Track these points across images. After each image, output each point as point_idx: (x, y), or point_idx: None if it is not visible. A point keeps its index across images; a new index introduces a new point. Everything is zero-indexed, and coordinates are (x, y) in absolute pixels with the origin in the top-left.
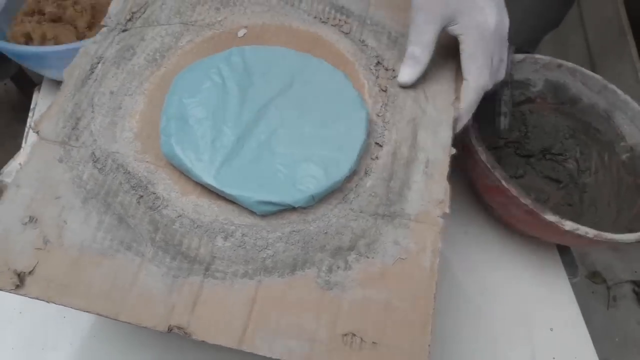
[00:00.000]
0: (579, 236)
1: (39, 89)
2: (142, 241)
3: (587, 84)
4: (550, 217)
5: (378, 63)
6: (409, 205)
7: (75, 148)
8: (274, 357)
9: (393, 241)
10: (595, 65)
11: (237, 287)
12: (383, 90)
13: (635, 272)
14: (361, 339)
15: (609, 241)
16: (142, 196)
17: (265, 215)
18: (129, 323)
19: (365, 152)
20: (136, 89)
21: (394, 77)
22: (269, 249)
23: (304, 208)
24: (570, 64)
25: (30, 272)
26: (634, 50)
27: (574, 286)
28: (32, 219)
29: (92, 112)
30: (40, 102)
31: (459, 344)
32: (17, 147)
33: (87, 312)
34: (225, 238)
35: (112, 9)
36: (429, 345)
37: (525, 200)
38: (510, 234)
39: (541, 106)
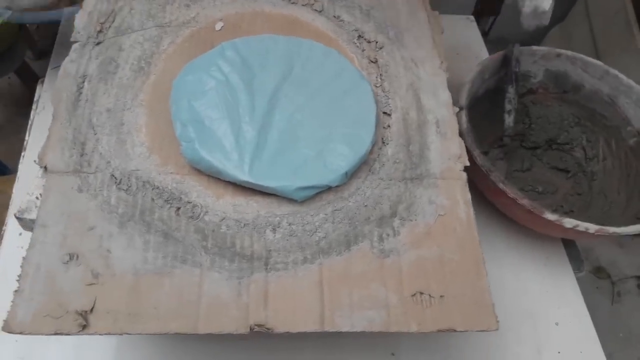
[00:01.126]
0: (581, 232)
1: (42, 82)
2: (195, 251)
3: (588, 71)
4: (550, 216)
5: (360, 37)
6: (432, 165)
7: (91, 174)
8: (357, 330)
9: (428, 200)
10: (601, 59)
11: (301, 274)
12: (373, 62)
13: None
14: (429, 295)
15: (612, 235)
16: (179, 208)
17: (304, 201)
18: (210, 334)
19: (378, 122)
20: (132, 101)
21: (380, 48)
22: (319, 232)
23: (339, 186)
24: (569, 52)
25: (91, 310)
26: None
27: (579, 281)
28: (72, 256)
29: (95, 134)
30: (44, 95)
31: (465, 339)
32: (21, 142)
33: (163, 333)
34: (274, 230)
35: (78, 23)
36: (489, 286)
37: (523, 202)
38: (515, 228)
39: (543, 96)
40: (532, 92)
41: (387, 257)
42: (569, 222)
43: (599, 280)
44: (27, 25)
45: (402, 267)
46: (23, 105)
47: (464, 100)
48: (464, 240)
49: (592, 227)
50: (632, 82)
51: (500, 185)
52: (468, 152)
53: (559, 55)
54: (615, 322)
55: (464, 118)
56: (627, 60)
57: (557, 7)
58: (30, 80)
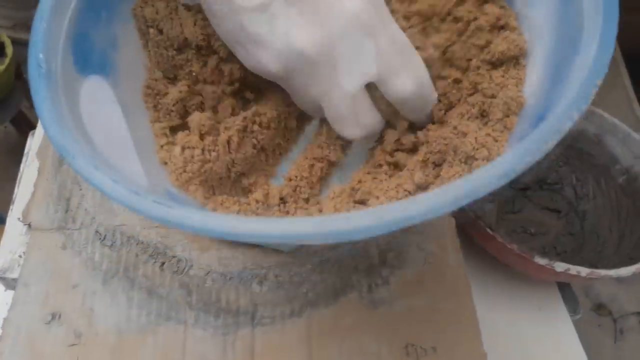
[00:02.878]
0: (573, 275)
1: (33, 134)
2: (180, 308)
3: None
4: (540, 261)
5: None
6: None
7: (75, 231)
8: None
9: (417, 247)
10: None
11: (288, 327)
12: None
13: None
14: (421, 346)
15: (603, 277)
16: (164, 262)
17: (291, 251)
18: None
19: None
20: None
21: None
22: (306, 283)
23: None
24: None
25: None
26: (627, 80)
27: (579, 320)
28: (54, 316)
29: (80, 189)
30: (34, 146)
31: None
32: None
33: None
34: (260, 283)
35: None
36: (481, 335)
37: (512, 246)
38: (507, 272)
39: None
40: None
41: (377, 307)
42: (559, 266)
43: (600, 318)
44: (24, 74)
45: (392, 317)
46: (18, 153)
47: None
48: (454, 287)
49: (583, 271)
50: (616, 121)
51: (489, 230)
52: None
53: None
54: None
55: None
56: (615, 96)
57: None
58: (26, 130)
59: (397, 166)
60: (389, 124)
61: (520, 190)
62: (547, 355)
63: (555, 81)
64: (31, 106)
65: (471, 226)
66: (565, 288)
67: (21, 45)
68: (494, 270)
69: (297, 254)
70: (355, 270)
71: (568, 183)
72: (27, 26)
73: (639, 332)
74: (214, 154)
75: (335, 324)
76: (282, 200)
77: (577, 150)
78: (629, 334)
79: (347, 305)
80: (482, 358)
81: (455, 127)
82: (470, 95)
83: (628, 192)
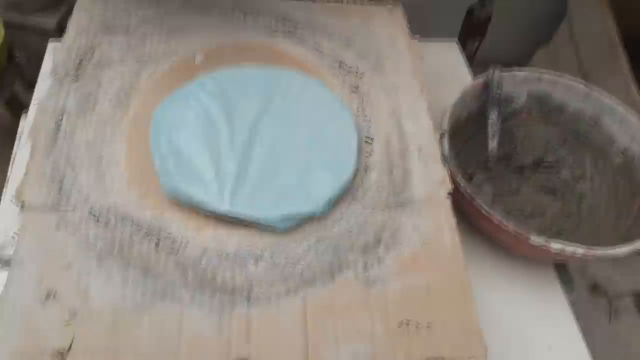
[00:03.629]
0: (569, 255)
1: (26, 114)
2: (175, 287)
3: (571, 92)
4: (536, 240)
5: (340, 65)
6: (416, 191)
7: (69, 211)
8: None
9: (412, 227)
10: (588, 81)
11: (284, 306)
12: (354, 90)
13: (637, 283)
14: (416, 323)
15: (599, 257)
16: (158, 242)
17: (286, 231)
18: None
19: (360, 149)
20: (111, 136)
21: (360, 76)
22: (302, 262)
23: (322, 215)
24: (550, 75)
25: (68, 349)
26: (625, 65)
27: (574, 301)
28: (49, 294)
29: (73, 169)
30: (27, 128)
31: None
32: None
33: None
34: (256, 262)
35: (57, 58)
36: (477, 313)
37: (507, 226)
38: (503, 252)
39: (527, 119)
40: (516, 114)
41: (372, 286)
42: (556, 246)
43: (595, 299)
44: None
45: (387, 296)
46: (11, 136)
47: (446, 125)
48: (450, 267)
49: (579, 250)
50: (614, 103)
51: (484, 211)
52: (452, 178)
53: (540, 78)
54: (614, 341)
55: (446, 144)
56: (613, 81)
57: (542, 27)
58: (19, 112)
59: None
60: None
61: (517, 171)
62: (543, 333)
63: None
64: (24, 89)
65: (467, 208)
66: (560, 267)
67: (13, 28)
68: (489, 249)
69: (292, 233)
70: (351, 250)
71: (565, 164)
72: (19, 8)
73: (634, 313)
74: None
75: (330, 303)
76: None
77: (574, 132)
78: (624, 315)
79: (342, 284)
80: (478, 335)
81: None
82: None
83: (625, 173)
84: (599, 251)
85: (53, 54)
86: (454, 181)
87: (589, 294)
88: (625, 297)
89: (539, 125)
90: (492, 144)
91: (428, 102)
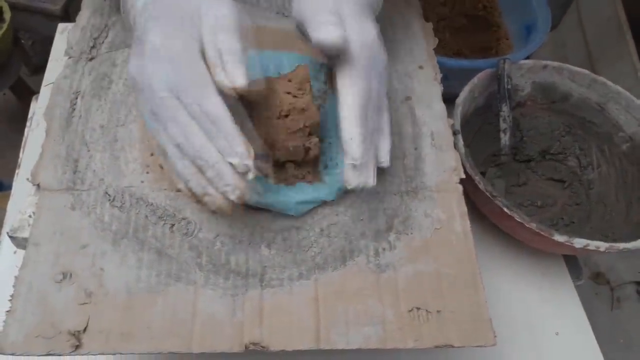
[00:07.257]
0: (592, 250)
1: (36, 98)
2: (189, 269)
3: (575, 80)
4: (560, 238)
5: None
6: (428, 178)
7: (84, 192)
8: (353, 348)
9: (424, 214)
10: (595, 66)
11: (296, 290)
12: None
13: (639, 272)
14: (426, 310)
15: (622, 250)
16: (173, 224)
17: (299, 216)
18: (203, 353)
19: None
20: (126, 117)
21: None
22: (314, 247)
23: (334, 200)
24: (555, 63)
25: (84, 330)
26: (633, 49)
27: (578, 288)
28: (65, 275)
29: (88, 150)
30: (38, 111)
31: (463, 351)
32: (16, 158)
33: (157, 353)
34: (269, 246)
35: (71, 38)
36: (486, 301)
37: (531, 225)
38: (512, 240)
39: (532, 108)
40: (521, 105)
41: (383, 272)
42: (579, 242)
43: (598, 287)
44: (22, 40)
45: (398, 282)
46: (18, 121)
47: (458, 124)
48: (460, 254)
49: (602, 245)
50: (619, 88)
51: (506, 210)
52: (469, 177)
53: (545, 66)
54: (615, 329)
55: (461, 142)
56: (621, 66)
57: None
58: (25, 96)
59: None
60: None
61: (524, 162)
62: (550, 320)
63: None
64: (30, 73)
65: (485, 205)
66: (568, 255)
67: (19, 10)
68: (499, 237)
69: (305, 218)
70: (363, 235)
71: (571, 153)
72: None
73: (636, 301)
74: None
75: (342, 287)
76: None
77: (579, 119)
78: (626, 303)
79: (354, 269)
80: (487, 323)
81: None
82: None
83: (632, 159)
84: (622, 245)
85: (65, 36)
86: (472, 181)
87: (592, 282)
88: (627, 285)
89: (543, 114)
90: (505, 138)
91: (442, 87)
